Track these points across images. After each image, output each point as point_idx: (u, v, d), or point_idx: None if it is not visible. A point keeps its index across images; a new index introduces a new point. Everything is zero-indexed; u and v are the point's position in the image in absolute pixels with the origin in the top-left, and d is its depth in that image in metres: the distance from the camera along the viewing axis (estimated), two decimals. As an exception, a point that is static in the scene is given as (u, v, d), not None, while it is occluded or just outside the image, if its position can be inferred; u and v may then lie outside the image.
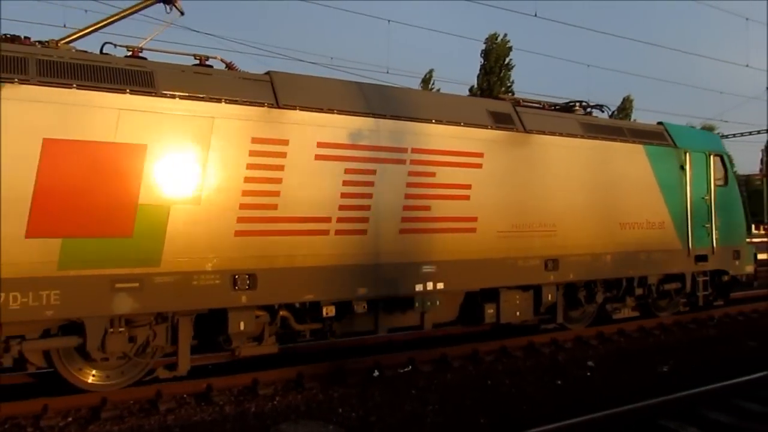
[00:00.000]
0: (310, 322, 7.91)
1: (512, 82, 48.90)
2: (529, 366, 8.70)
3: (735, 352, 9.56)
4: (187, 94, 6.99)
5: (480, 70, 48.61)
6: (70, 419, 6.53)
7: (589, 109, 11.06)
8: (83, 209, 6.39)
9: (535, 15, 17.83)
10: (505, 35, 48.15)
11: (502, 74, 48.63)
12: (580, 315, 10.59)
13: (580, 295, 10.14)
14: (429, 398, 7.25)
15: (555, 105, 10.81)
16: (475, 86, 48.27)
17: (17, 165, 6.09)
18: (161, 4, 7.95)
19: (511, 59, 48.53)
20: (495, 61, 48.17)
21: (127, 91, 6.68)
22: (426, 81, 48.23)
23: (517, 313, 9.37)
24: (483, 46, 48.30)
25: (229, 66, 7.88)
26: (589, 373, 8.35)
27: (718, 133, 8.09)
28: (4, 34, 6.81)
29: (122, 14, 7.88)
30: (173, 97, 6.90)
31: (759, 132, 37.70)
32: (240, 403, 7.04)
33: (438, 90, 48.37)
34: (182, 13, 8.10)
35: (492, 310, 9.09)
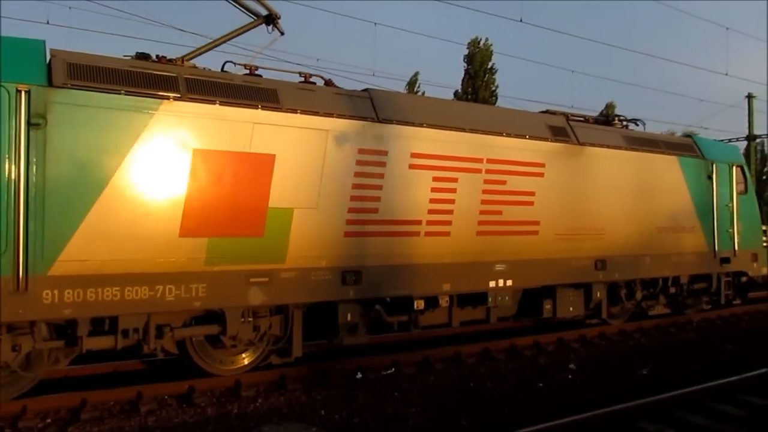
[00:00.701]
0: (398, 314, 8.66)
1: (497, 86, 49.22)
2: (512, 368, 8.76)
3: (712, 356, 9.71)
4: (306, 110, 7.74)
5: (464, 74, 48.87)
6: (49, 420, 6.47)
7: (625, 123, 11.92)
8: (225, 212, 7.13)
9: (521, 20, 17.92)
10: (487, 39, 48.36)
11: (486, 78, 48.93)
12: (620, 311, 11.45)
13: (621, 293, 10.97)
14: (412, 400, 7.28)
15: (596, 118, 11.66)
16: (460, 90, 48.49)
17: (172, 171, 6.87)
18: (264, 24, 8.57)
19: (494, 63, 48.82)
20: (479, 65, 48.46)
21: (259, 106, 7.42)
22: (411, 84, 48.31)
23: (571, 309, 10.21)
24: (466, 51, 48.58)
25: (328, 83, 8.62)
26: (570, 376, 8.43)
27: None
28: (137, 53, 7.40)
29: (231, 35, 8.46)
30: (295, 112, 7.65)
31: (738, 139, 38.21)
32: (222, 404, 7.01)
33: (423, 93, 48.53)
34: (282, 33, 8.71)
35: (549, 306, 9.92)
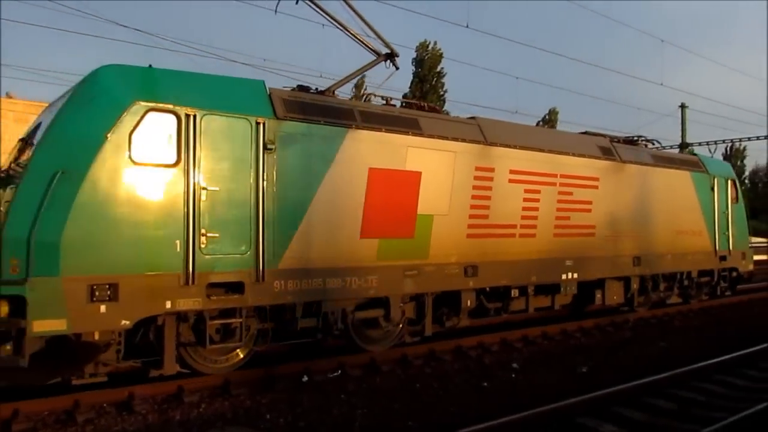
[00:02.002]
0: (495, 301, 10.34)
1: (445, 90, 49.79)
2: (457, 369, 8.88)
3: (648, 353, 10.09)
4: (440, 135, 9.41)
5: (413, 77, 49.23)
6: (-24, 433, 6.18)
7: (645, 143, 14.00)
8: (389, 218, 8.77)
9: (467, 26, 18.20)
10: (436, 43, 48.81)
11: (435, 82, 49.43)
12: (644, 300, 13.39)
13: (649, 285, 12.91)
14: (358, 402, 7.29)
15: (625, 139, 13.65)
16: (408, 93, 48.79)
17: (354, 185, 8.43)
18: (384, 60, 9.96)
19: (443, 67, 49.37)
20: (428, 69, 48.91)
21: (410, 132, 9.07)
22: (358, 87, 48.35)
23: (615, 297, 12.23)
24: (414, 54, 48.94)
25: (434, 109, 10.45)
26: (513, 375, 8.60)
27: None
28: (298, 85, 8.77)
29: (361, 70, 10.10)
30: (432, 137, 9.31)
31: (672, 147, 39.79)
32: (164, 411, 6.85)
33: (370, 96, 48.42)
34: (397, 68, 10.05)
35: (599, 295, 11.87)
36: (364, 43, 9.77)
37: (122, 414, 6.74)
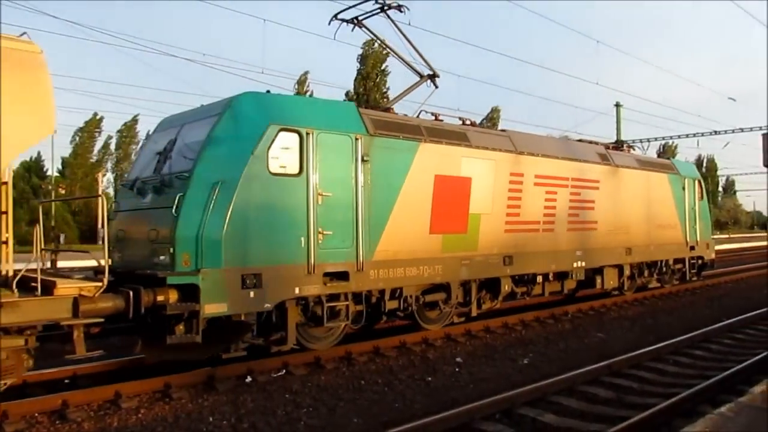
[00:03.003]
0: (520, 286, 11.92)
1: (388, 88, 49.96)
2: (402, 365, 8.93)
3: (584, 344, 10.42)
4: (484, 146, 11.01)
5: (357, 74, 49.19)
6: None
7: (627, 148, 16.72)
8: (450, 216, 10.31)
9: (409, 24, 18.27)
10: (383, 41, 48.87)
11: (378, 80, 49.51)
12: (631, 285, 15.26)
13: (635, 272, 15.03)
14: (303, 401, 7.25)
15: (614, 145, 16.47)
16: (352, 91, 48.71)
17: (425, 190, 9.95)
18: (427, 81, 11.45)
19: (387, 66, 49.50)
20: (372, 66, 48.95)
21: (462, 144, 10.61)
22: (301, 83, 48.06)
23: (611, 282, 14.19)
24: (360, 51, 48.90)
25: (473, 123, 11.78)
26: (457, 369, 8.72)
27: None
28: (366, 105, 10.15)
29: (408, 91, 11.47)
30: (478, 148, 10.89)
31: (608, 145, 40.93)
32: (101, 418, 6.62)
33: (312, 92, 48.24)
34: (437, 87, 11.54)
35: (600, 280, 13.75)
36: (410, 66, 11.34)
37: (55, 423, 6.47)
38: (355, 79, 48.99)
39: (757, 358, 8.42)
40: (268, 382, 7.96)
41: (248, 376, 8.05)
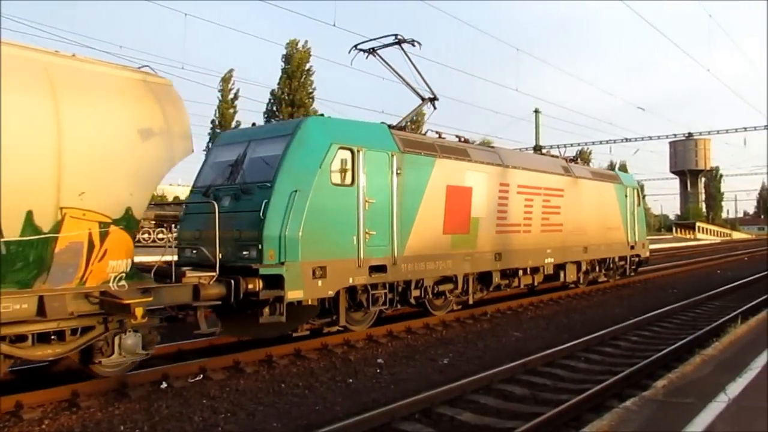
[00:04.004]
0: (503, 279, 13.72)
1: (314, 88, 49.59)
2: (323, 367, 8.88)
3: (502, 343, 10.70)
4: (481, 161, 12.91)
5: (282, 73, 48.56)
6: None
7: (579, 161, 19.65)
8: (457, 219, 12.09)
9: (334, 25, 18.27)
10: (306, 42, 48.44)
11: (303, 80, 49.07)
12: (585, 279, 17.44)
13: (589, 267, 17.31)
14: (221, 407, 7.08)
15: (572, 158, 19.22)
16: (277, 90, 48.05)
17: (439, 197, 11.67)
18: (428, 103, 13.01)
19: (312, 65, 49.13)
20: (297, 66, 48.45)
21: (465, 159, 12.41)
22: (226, 80, 46.99)
23: (572, 276, 16.34)
24: (284, 51, 48.30)
25: (466, 141, 13.82)
26: (378, 370, 8.75)
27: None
28: (389, 125, 11.51)
29: (412, 113, 13.53)
30: (476, 162, 12.74)
31: (527, 149, 42.43)
32: None
33: (238, 90, 47.24)
34: (435, 108, 13.16)
35: (563, 274, 15.87)
36: (414, 90, 12.79)
37: (-52, 437, 6.03)
38: (281, 78, 48.37)
39: (659, 354, 8.92)
40: (185, 388, 7.72)
41: (163, 382, 7.78)
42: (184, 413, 6.82)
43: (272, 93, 47.96)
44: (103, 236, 6.92)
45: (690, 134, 48.71)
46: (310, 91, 49.02)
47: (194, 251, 9.14)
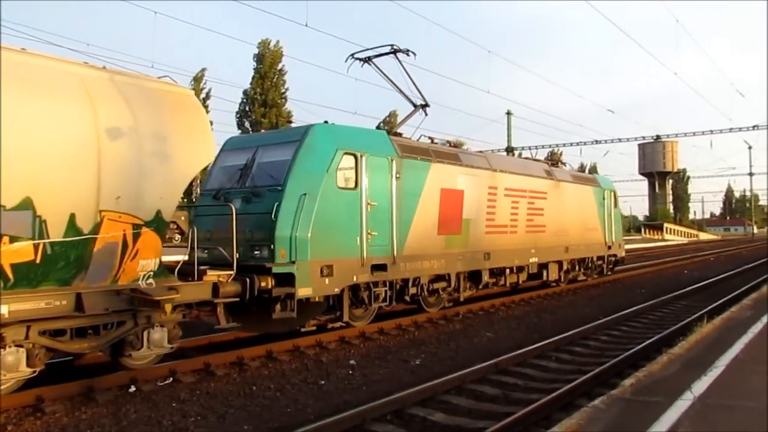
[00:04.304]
0: (492, 277, 14.35)
1: (287, 88, 49.39)
2: (295, 368, 8.83)
3: (474, 343, 10.76)
4: (471, 165, 13.60)
5: (255, 73, 48.25)
6: None
7: (560, 164, 20.19)
8: (450, 220, 12.66)
9: (306, 25, 18.21)
10: (278, 41, 48.16)
11: (276, 80, 48.82)
12: (565, 278, 18.16)
13: (569, 267, 18.04)
14: (191, 410, 6.99)
15: (553, 162, 20.16)
16: (249, 90, 47.73)
17: (434, 200, 12.25)
18: (420, 110, 13.44)
19: (284, 65, 48.92)
20: (269, 66, 48.19)
21: (457, 164, 13.11)
22: (197, 80, 46.51)
23: (554, 275, 17.06)
24: (257, 50, 47.99)
25: (456, 145, 15.19)
26: (350, 372, 8.73)
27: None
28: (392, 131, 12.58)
29: (406, 119, 13.60)
30: (468, 166, 13.47)
31: (499, 151, 42.85)
32: (-39, 437, 6.05)
33: (210, 90, 46.78)
34: (426, 115, 13.60)
35: (545, 273, 16.58)
36: (407, 97, 13.29)
37: None
38: (253, 78, 48.04)
39: (628, 353, 9.06)
40: (154, 391, 7.61)
41: (132, 386, 7.67)
42: (153, 417, 6.72)
43: (245, 93, 47.64)
44: (136, 237, 7.46)
45: (658, 136, 49.70)
46: (283, 91, 48.85)
47: (205, 251, 9.42)
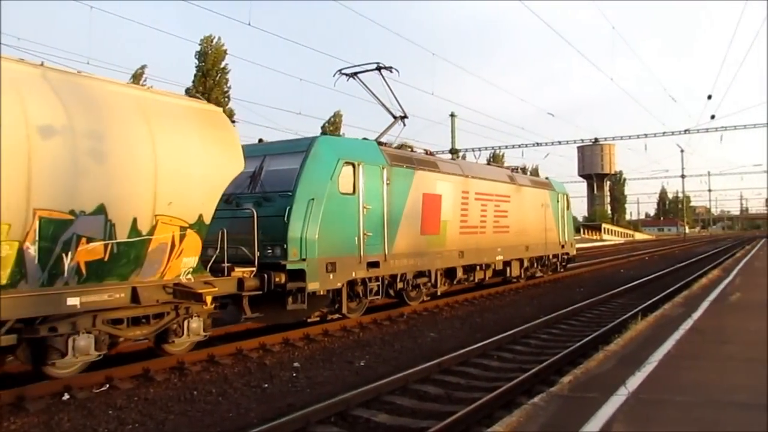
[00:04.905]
0: (465, 274, 15.74)
1: (230, 87, 48.52)
2: (237, 372, 8.69)
3: (418, 343, 10.84)
4: (448, 172, 15.09)
5: (197, 71, 47.22)
6: None
7: (519, 170, 22.08)
8: (430, 222, 14.03)
9: (249, 24, 17.97)
10: (220, 38, 47.28)
11: (219, 78, 47.91)
12: (525, 274, 19.70)
13: (528, 264, 19.68)
14: (128, 417, 6.79)
15: (515, 168, 21.97)
16: (192, 88, 46.64)
17: (418, 203, 13.63)
18: (399, 120, 14.80)
19: (227, 64, 48.06)
20: (212, 64, 47.25)
21: (436, 171, 14.49)
22: (136, 77, 45.12)
23: (516, 272, 18.66)
24: (199, 47, 46.97)
25: (432, 153, 16.69)
26: (294, 374, 8.65)
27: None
28: (395, 144, 16.04)
29: (386, 130, 14.64)
30: (445, 173, 14.87)
31: (444, 152, 43.25)
32: None
33: (150, 87, 45.32)
34: (404, 125, 15.28)
35: (509, 270, 18.14)
36: (387, 109, 14.59)
37: None
38: (195, 76, 47.01)
39: (566, 351, 9.31)
40: (89, 399, 7.34)
41: (65, 394, 7.37)
42: (89, 425, 6.50)
43: (187, 91, 46.48)
44: (182, 238, 8.52)
45: (596, 140, 51.39)
46: (226, 90, 47.97)
47: (216, 250, 9.90)
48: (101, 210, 7.46)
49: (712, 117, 44.55)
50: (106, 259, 7.62)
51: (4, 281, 6.69)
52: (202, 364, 8.92)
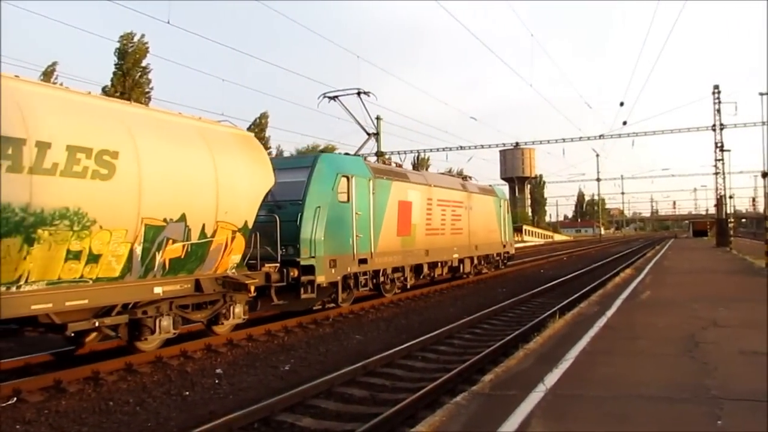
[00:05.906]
0: (429, 270, 18.25)
1: (151, 87, 46.92)
2: (156, 381, 8.40)
3: (343, 346, 10.83)
4: (416, 182, 17.76)
5: (117, 69, 45.38)
6: None
7: (468, 178, 24.38)
8: (404, 225, 16.57)
9: (168, 22, 17.46)
10: (143, 36, 45.65)
11: (140, 77, 46.24)
12: (474, 271, 22.32)
13: (476, 261, 22.35)
14: (38, 431, 6.42)
15: (465, 176, 24.72)
16: (110, 88, 44.78)
17: (394, 210, 16.09)
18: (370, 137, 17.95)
19: (149, 63, 46.46)
20: (133, 63, 45.54)
21: (406, 181, 17.12)
22: (47, 74, 42.91)
23: (467, 268, 21.26)
24: (118, 45, 45.15)
25: (399, 165, 18.66)
26: (217, 381, 8.45)
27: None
28: (381, 154, 25.04)
29: (363, 145, 17.50)
30: (413, 183, 17.52)
31: (371, 155, 43.38)
32: None
33: (62, 85, 43.25)
34: (377, 141, 23.51)
35: (462, 267, 20.66)
36: (363, 128, 17.39)
37: None
38: (114, 75, 45.18)
39: (488, 350, 9.54)
40: (-7, 414, 6.90)
41: (-34, 410, 6.92)
42: (-8, 442, 6.11)
43: (104, 90, 44.61)
44: (233, 239, 10.44)
45: (517, 144, 52.90)
46: (147, 90, 46.36)
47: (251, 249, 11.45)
48: (183, 218, 9.32)
49: (624, 123, 47.16)
50: (182, 256, 9.47)
51: (116, 274, 8.47)
52: (118, 374, 8.57)
